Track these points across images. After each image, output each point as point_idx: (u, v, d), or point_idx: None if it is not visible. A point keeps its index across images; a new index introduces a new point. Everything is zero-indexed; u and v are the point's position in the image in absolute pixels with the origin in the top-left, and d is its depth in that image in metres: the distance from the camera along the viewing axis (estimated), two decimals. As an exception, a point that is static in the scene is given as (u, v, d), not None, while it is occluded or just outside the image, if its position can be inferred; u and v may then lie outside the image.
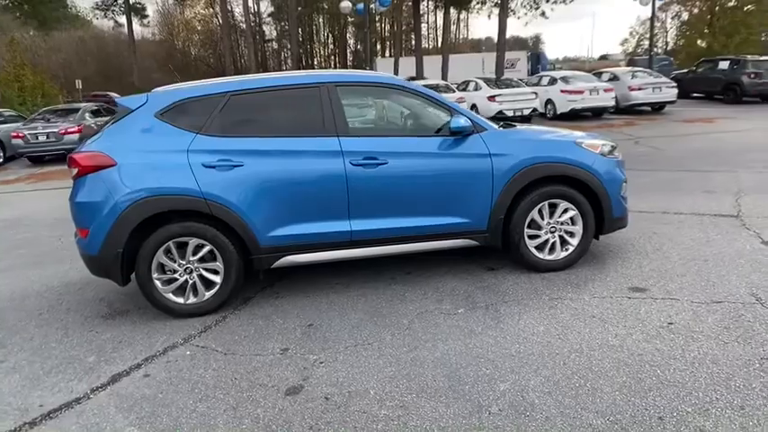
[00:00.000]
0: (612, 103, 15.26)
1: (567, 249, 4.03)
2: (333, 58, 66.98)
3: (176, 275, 3.60)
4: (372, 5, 20.37)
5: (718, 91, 17.54)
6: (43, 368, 3.07)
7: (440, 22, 43.83)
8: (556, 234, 3.99)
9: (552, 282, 3.82)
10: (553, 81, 16.09)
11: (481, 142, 3.81)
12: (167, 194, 3.48)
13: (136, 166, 3.48)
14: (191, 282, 3.62)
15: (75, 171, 3.55)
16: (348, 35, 66.63)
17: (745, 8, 27.58)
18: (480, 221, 3.86)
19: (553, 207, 3.94)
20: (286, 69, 67.63)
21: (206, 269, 3.62)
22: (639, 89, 15.51)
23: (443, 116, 3.88)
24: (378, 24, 64.76)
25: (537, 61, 40.47)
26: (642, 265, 4.04)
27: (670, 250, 4.30)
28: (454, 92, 15.55)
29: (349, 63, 63.04)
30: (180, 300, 3.63)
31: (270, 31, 58.99)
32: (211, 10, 56.09)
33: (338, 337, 3.22)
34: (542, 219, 3.94)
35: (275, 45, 60.61)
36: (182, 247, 3.56)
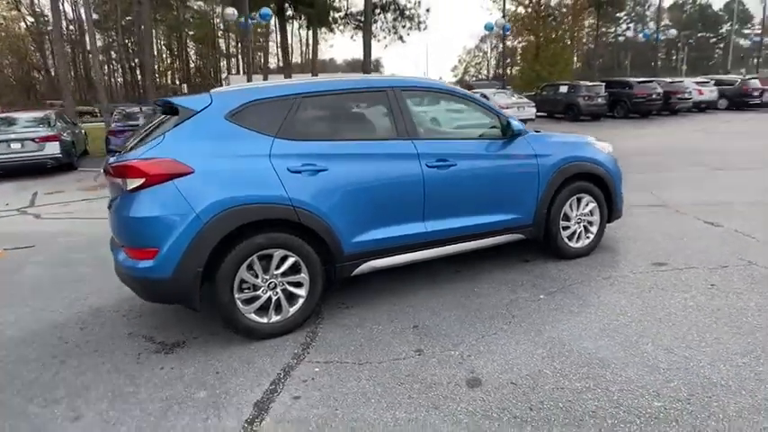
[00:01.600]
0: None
1: (588, 237, 4.58)
2: (171, 72, 62.96)
3: (259, 292, 3.30)
4: (252, 20, 19.85)
5: (559, 110, 20.63)
6: (149, 415, 2.59)
7: (290, 40, 43.93)
8: (581, 224, 4.52)
9: (588, 266, 4.32)
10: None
11: (527, 144, 4.18)
12: (256, 203, 3.20)
13: (217, 173, 3.14)
14: (274, 298, 3.35)
15: (133, 182, 3.06)
16: (189, 49, 63.28)
17: (560, 44, 33.05)
18: (528, 216, 4.22)
19: (579, 200, 4.47)
20: (115, 83, 61.74)
21: (290, 283, 3.38)
22: (507, 108, 17.54)
23: (488, 120, 4.18)
24: (222, 40, 62.66)
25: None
26: (639, 246, 4.77)
27: (649, 234, 5.13)
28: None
29: (194, 78, 59.96)
30: (263, 319, 3.33)
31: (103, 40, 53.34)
32: (16, 12, 48.93)
33: (455, 332, 3.27)
34: (572, 211, 4.44)
35: (102, 56, 54.83)
36: (263, 260, 3.29)
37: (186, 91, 50.85)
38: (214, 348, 3.24)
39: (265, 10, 20.03)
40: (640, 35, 33.58)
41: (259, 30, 55.47)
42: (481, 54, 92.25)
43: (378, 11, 34.35)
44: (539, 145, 4.25)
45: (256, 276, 3.27)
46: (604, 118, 20.44)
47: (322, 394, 2.67)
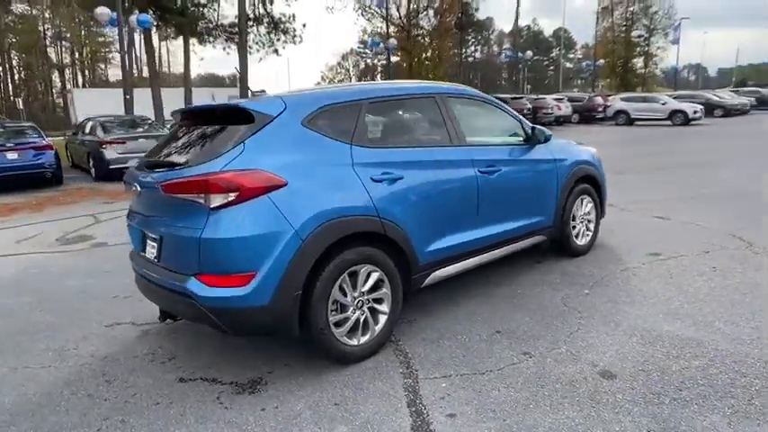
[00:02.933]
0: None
1: (587, 235, 4.99)
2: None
3: (348, 313, 3.06)
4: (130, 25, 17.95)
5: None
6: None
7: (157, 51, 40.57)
8: (583, 223, 4.91)
9: (597, 262, 4.70)
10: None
11: (547, 149, 4.44)
12: (350, 215, 2.97)
13: (309, 185, 2.86)
14: (362, 318, 3.13)
15: (220, 197, 2.65)
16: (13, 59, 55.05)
17: (431, 62, 35.30)
18: (550, 218, 4.48)
19: (581, 201, 4.85)
20: None
21: (374, 299, 3.19)
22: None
23: (512, 126, 4.37)
24: (54, 48, 55.67)
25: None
26: (623, 240, 5.32)
27: (620, 229, 5.72)
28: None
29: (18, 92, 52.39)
30: (354, 341, 3.09)
31: None
32: None
33: (541, 332, 3.35)
34: (577, 211, 4.81)
35: None
36: (351, 277, 3.06)
37: (21, 107, 44.21)
38: (305, 380, 2.91)
39: (144, 17, 18.31)
40: (502, 56, 37.24)
41: (100, 39, 50.40)
42: (344, 71, 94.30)
43: (251, 23, 33.43)
44: (555, 150, 4.54)
45: (345, 296, 3.02)
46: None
47: (474, 408, 2.56)
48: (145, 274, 3.12)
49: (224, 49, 35.43)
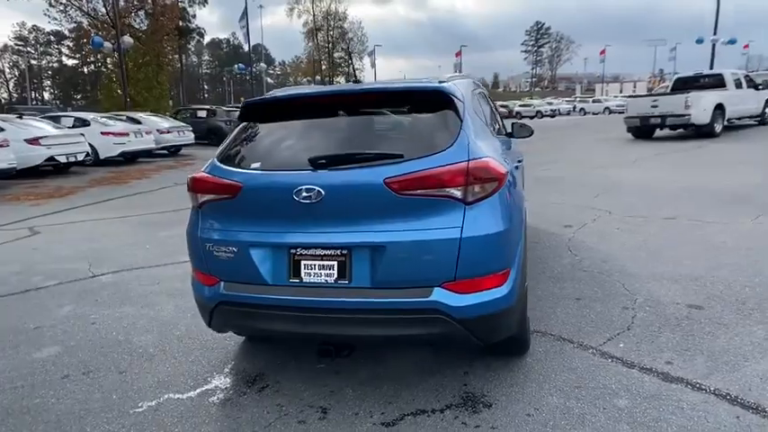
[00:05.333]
0: (154, 145, 15.32)
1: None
2: None
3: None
4: None
5: (203, 136, 20.40)
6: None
7: None
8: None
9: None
10: (83, 122, 14.21)
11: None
12: None
13: (511, 172, 2.64)
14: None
15: (477, 190, 2.25)
16: None
17: (150, 67, 31.70)
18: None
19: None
20: None
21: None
22: (168, 131, 16.25)
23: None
24: None
25: None
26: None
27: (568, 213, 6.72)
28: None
29: None
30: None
31: None
32: None
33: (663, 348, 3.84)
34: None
35: None
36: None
37: None
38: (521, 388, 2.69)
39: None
40: (235, 67, 36.16)
41: None
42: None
43: None
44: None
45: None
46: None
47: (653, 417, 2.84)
48: (301, 303, 2.32)
49: None
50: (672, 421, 2.26)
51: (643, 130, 14.10)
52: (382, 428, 2.33)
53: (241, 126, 2.76)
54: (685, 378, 2.58)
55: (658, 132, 14.40)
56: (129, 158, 14.77)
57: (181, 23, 35.36)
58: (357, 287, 2.27)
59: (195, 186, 2.55)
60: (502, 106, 41.59)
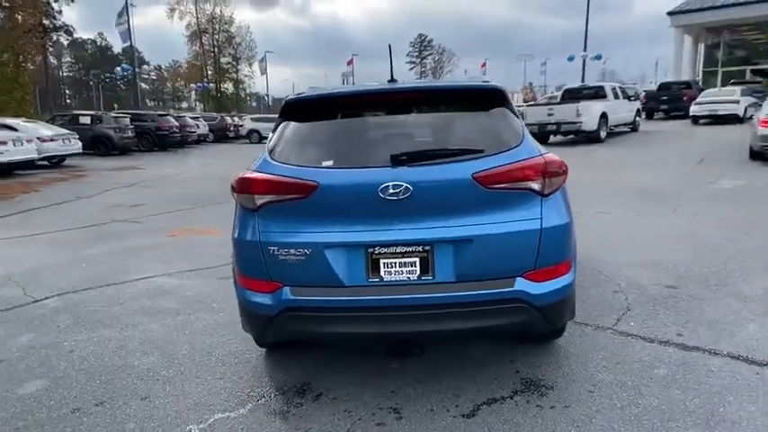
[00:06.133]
0: (36, 155, 13.55)
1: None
2: None
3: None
4: None
5: (88, 145, 18.44)
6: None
7: None
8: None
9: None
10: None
11: None
12: None
13: None
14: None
15: (555, 181, 2.39)
16: None
17: (8, 67, 27.98)
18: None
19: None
20: None
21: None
22: (52, 140, 14.50)
23: None
24: None
25: None
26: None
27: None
28: None
29: None
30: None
31: None
32: None
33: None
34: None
35: None
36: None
37: None
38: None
39: None
40: (118, 69, 32.62)
41: None
42: None
43: None
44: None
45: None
46: (130, 152, 19.81)
47: None
48: (381, 303, 2.28)
49: None
50: (711, 382, 2.58)
51: (540, 136, 15.42)
52: (464, 420, 2.37)
53: (290, 124, 2.62)
54: (700, 346, 2.94)
55: (552, 138, 15.88)
56: (4, 171, 12.89)
57: (45, 20, 31.65)
58: (441, 282, 2.29)
59: (253, 188, 2.38)
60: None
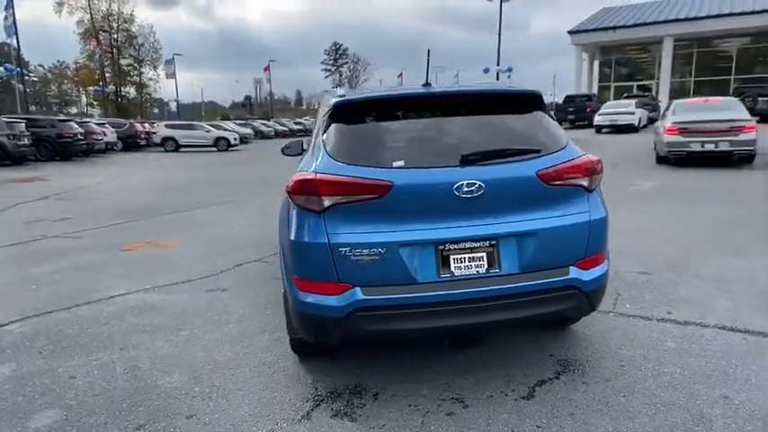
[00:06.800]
0: None
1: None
2: None
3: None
4: None
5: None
6: None
7: None
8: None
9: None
10: None
11: None
12: None
13: None
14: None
15: (599, 178, 2.67)
16: None
17: None
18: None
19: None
20: None
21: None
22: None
23: None
24: None
25: None
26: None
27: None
28: None
29: None
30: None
31: None
32: None
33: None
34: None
35: None
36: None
37: None
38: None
39: None
40: (0, 69, 28.90)
41: None
42: None
43: None
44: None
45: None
46: (26, 161, 17.94)
47: None
48: (453, 297, 2.40)
49: None
50: (714, 349, 2.98)
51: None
52: (525, 402, 2.55)
53: (345, 126, 2.63)
54: (691, 321, 3.37)
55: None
56: None
57: None
58: (507, 274, 2.45)
59: (320, 189, 2.37)
60: (297, 122, 43.43)
